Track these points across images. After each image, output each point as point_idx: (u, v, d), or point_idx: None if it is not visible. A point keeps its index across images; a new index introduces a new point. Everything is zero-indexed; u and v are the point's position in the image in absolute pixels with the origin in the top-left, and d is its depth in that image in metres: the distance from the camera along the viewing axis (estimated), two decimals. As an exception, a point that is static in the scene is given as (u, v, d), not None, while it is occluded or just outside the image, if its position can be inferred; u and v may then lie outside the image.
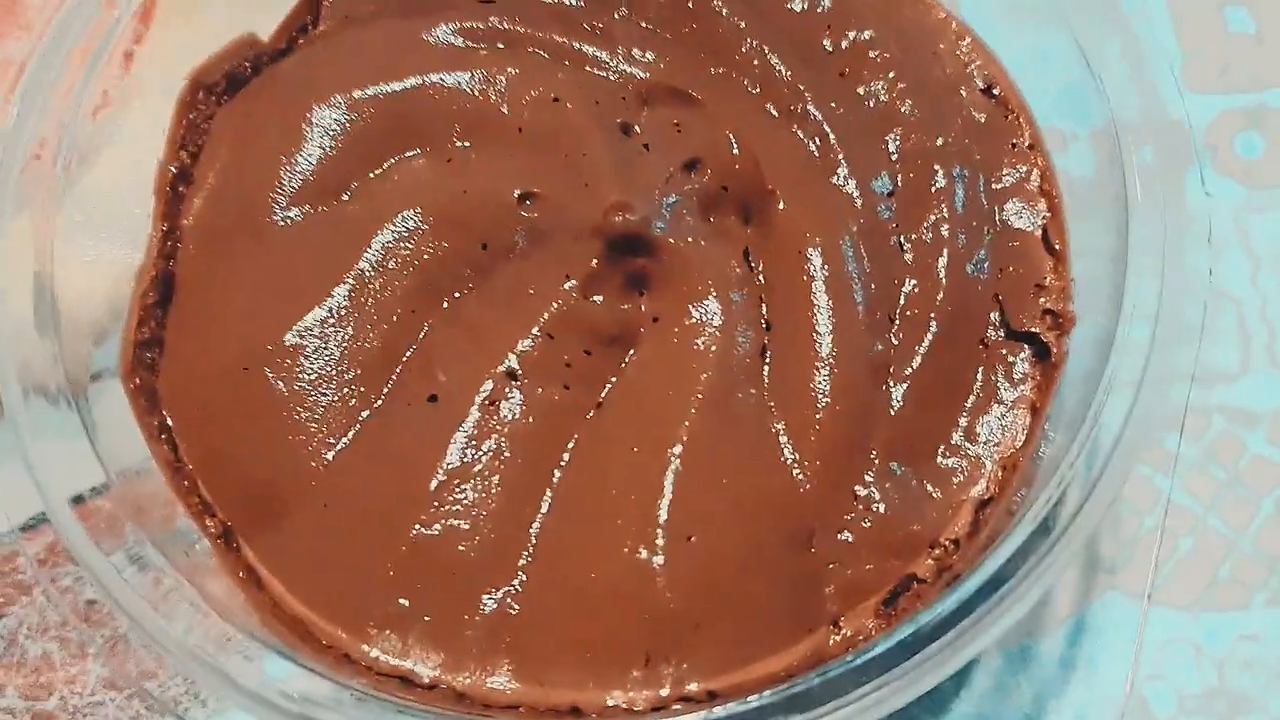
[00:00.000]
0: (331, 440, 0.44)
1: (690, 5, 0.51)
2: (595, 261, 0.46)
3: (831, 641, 0.43)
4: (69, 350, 0.47)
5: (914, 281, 0.47)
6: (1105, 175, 0.47)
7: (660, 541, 0.42)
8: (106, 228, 0.50)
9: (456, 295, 0.47)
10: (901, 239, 0.47)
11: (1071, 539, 0.40)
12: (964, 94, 0.50)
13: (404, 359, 0.46)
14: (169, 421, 0.47)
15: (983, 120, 0.50)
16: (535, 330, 0.45)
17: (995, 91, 0.51)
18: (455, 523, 0.43)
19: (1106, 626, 0.53)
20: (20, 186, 0.48)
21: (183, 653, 0.41)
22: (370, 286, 0.46)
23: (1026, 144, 0.50)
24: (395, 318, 0.46)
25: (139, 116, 0.53)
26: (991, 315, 0.47)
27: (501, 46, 0.50)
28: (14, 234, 0.47)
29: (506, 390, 0.45)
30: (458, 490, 0.43)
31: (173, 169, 0.50)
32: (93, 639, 0.54)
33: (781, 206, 0.47)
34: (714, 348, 0.45)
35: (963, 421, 0.46)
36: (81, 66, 0.51)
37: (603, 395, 0.45)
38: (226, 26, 0.54)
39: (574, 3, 0.52)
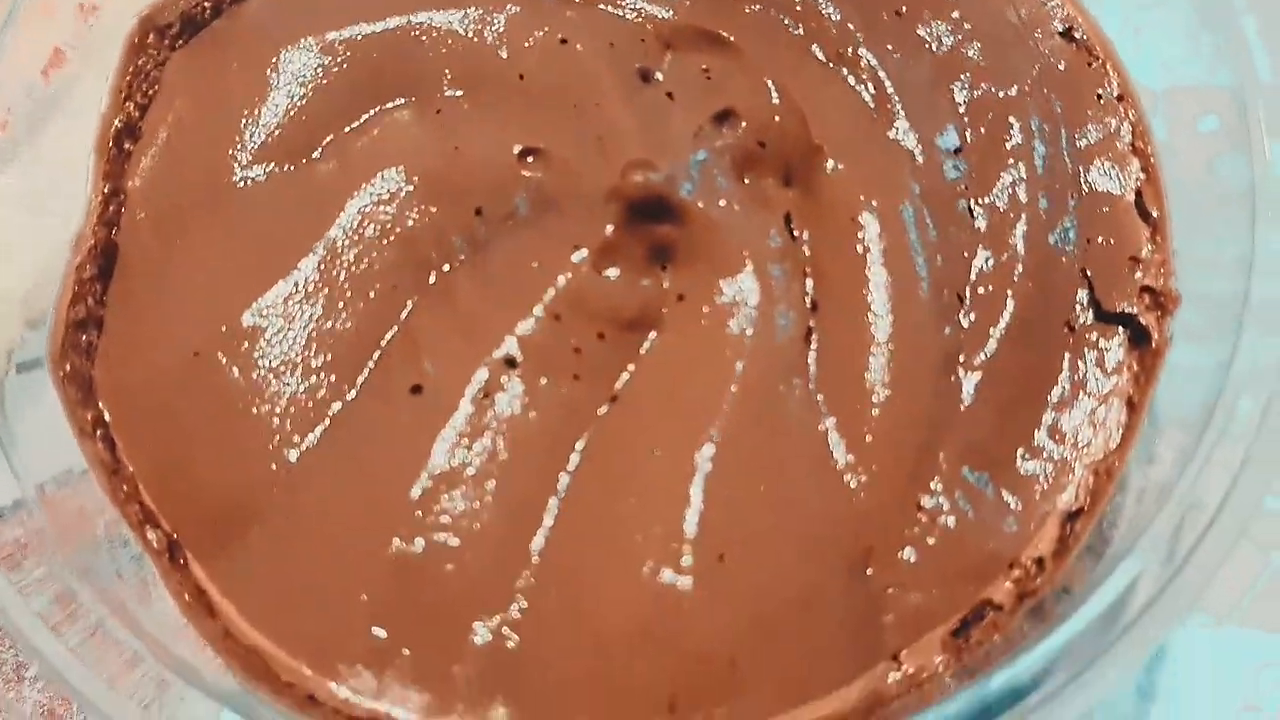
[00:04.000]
0: (296, 438, 0.39)
1: (721, -68, 0.44)
2: (611, 229, 0.40)
3: (891, 680, 0.37)
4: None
5: (987, 253, 0.41)
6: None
7: (687, 561, 0.36)
8: (50, 198, 0.45)
9: (446, 269, 0.41)
10: (972, 204, 0.42)
11: (1192, 577, 0.33)
12: (1040, 37, 0.45)
13: (383, 343, 0.40)
14: (106, 416, 0.41)
15: (1063, 68, 0.44)
16: (538, 310, 0.39)
17: (1077, 35, 0.45)
18: (442, 537, 0.37)
19: (1189, 653, 0.47)
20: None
21: (107, 707, 0.35)
22: (344, 258, 0.41)
23: (1115, 94, 0.44)
24: (373, 295, 0.40)
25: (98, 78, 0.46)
26: (1079, 293, 0.41)
27: (501, -21, 0.44)
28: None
29: (504, 380, 0.38)
30: (445, 498, 0.37)
31: (117, 122, 0.44)
32: (31, 662, 0.48)
33: (830, 166, 0.41)
34: (750, 331, 0.39)
35: (1047, 418, 0.40)
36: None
37: (618, 387, 0.39)
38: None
39: (586, -70, 0.45)
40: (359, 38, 0.43)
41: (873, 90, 0.42)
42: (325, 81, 0.43)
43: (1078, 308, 0.41)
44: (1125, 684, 0.46)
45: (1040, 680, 0.33)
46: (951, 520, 0.38)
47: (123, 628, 0.37)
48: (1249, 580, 0.48)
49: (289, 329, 0.39)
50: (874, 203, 0.40)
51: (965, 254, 0.40)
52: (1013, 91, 0.42)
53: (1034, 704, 0.32)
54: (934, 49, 0.43)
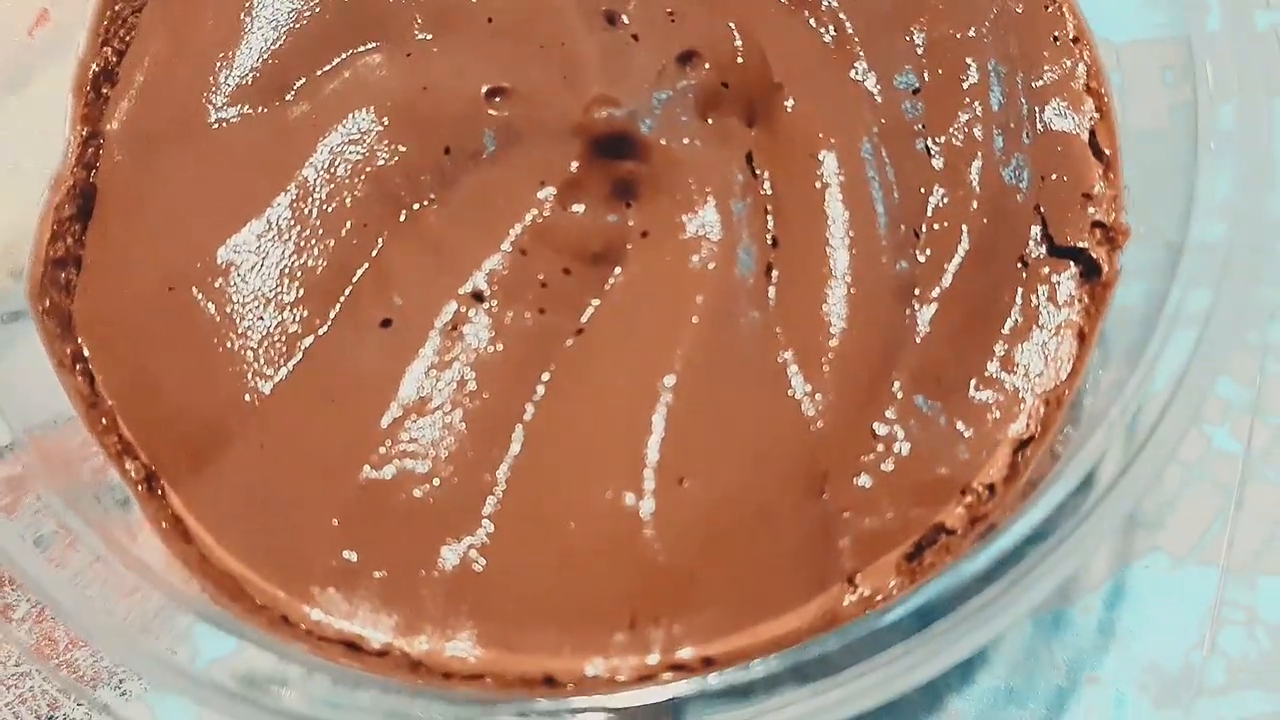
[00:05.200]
0: (269, 371, 0.39)
1: (685, -128, 0.45)
2: (575, 165, 0.40)
3: (846, 601, 0.38)
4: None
5: (943, 190, 0.41)
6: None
7: (648, 485, 0.37)
8: (31, 152, 0.45)
9: (416, 207, 0.41)
10: (929, 142, 0.42)
11: (1125, 491, 0.34)
12: (999, -20, 0.45)
13: (354, 279, 0.40)
14: (85, 350, 0.41)
15: (1020, 10, 0.45)
16: (505, 245, 0.40)
17: (1034, -23, 0.45)
18: (411, 464, 0.38)
19: (1148, 590, 0.47)
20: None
21: (104, 632, 0.36)
22: (316, 196, 0.41)
23: (1071, 36, 0.44)
24: (344, 232, 0.41)
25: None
26: (1032, 229, 0.42)
27: (470, -78, 0.44)
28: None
29: (472, 314, 0.39)
30: (414, 427, 0.38)
31: (95, 67, 0.44)
32: (18, 603, 0.49)
33: (790, 104, 0.42)
34: (712, 265, 0.39)
35: (999, 349, 0.41)
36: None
37: (583, 320, 0.40)
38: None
39: None
40: (332, -19, 0.44)
41: (833, 31, 0.43)
42: (298, 26, 0.43)
43: (1031, 243, 0.42)
44: (1087, 616, 0.47)
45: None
46: (905, 447, 0.39)
47: (116, 560, 0.38)
48: (1208, 519, 0.49)
49: (262, 265, 0.40)
50: (833, 141, 0.41)
51: (922, 190, 0.41)
52: (970, 33, 0.43)
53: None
54: (893, -10, 0.44)
